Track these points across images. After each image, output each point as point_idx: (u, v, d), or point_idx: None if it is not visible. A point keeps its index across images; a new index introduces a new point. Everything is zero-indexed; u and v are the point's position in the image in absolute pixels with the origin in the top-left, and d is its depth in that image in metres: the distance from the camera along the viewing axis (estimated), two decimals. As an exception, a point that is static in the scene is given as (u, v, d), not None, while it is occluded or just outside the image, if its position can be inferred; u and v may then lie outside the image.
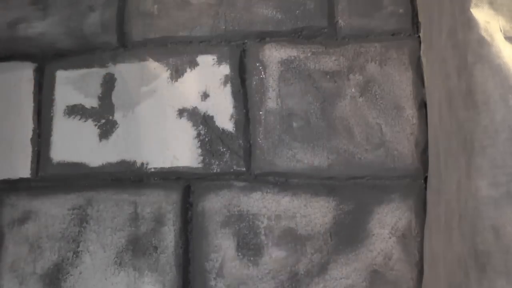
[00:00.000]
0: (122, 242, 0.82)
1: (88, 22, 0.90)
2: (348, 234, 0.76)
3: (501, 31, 0.54)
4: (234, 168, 0.81)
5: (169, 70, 0.86)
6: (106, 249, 0.82)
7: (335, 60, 0.81)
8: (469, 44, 0.54)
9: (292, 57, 0.83)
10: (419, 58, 0.79)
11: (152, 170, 0.83)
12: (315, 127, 0.80)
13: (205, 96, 0.84)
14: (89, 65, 0.89)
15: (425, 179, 0.76)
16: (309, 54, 0.82)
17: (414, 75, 0.78)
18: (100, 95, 0.87)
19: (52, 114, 0.88)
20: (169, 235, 0.81)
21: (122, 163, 0.85)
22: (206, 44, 0.86)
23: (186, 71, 0.86)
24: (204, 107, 0.84)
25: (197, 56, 0.86)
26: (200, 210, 0.81)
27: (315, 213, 0.78)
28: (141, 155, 0.84)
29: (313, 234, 0.77)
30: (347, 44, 0.82)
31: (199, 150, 0.83)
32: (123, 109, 0.86)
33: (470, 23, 0.54)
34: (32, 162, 0.88)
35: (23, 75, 0.90)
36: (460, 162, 0.55)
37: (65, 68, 0.89)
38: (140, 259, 0.81)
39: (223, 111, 0.83)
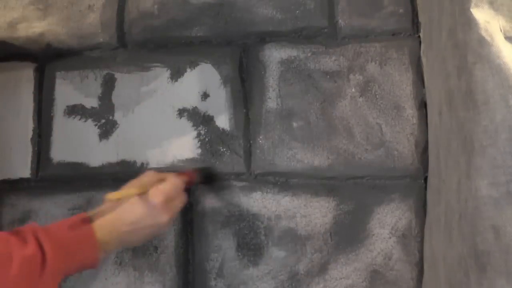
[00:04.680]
0: (122, 242, 0.82)
1: (88, 22, 0.90)
2: (348, 234, 0.76)
3: (501, 31, 0.53)
4: (234, 168, 0.81)
5: (169, 70, 0.86)
6: (106, 249, 0.82)
7: (335, 60, 0.81)
8: (469, 44, 0.54)
9: (292, 57, 0.83)
10: (419, 58, 0.79)
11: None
12: (315, 127, 0.80)
13: (205, 96, 0.84)
14: (89, 65, 0.89)
15: (425, 179, 0.76)
16: (309, 54, 0.82)
17: (414, 75, 0.78)
18: (100, 95, 0.87)
19: (52, 114, 0.88)
20: (169, 235, 0.81)
21: (122, 163, 0.85)
22: (206, 44, 0.86)
23: (186, 71, 0.86)
24: (204, 107, 0.84)
25: (197, 56, 0.86)
26: (200, 210, 0.81)
27: (315, 213, 0.78)
28: (141, 155, 0.84)
29: (313, 234, 0.77)
30: (347, 44, 0.82)
31: (199, 150, 0.83)
32: (123, 109, 0.86)
33: (470, 23, 0.54)
34: (32, 162, 0.88)
35: (23, 75, 0.90)
36: (460, 162, 0.55)
37: (65, 68, 0.89)
38: (140, 259, 0.81)
39: (223, 111, 0.83)
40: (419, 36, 0.80)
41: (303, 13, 0.83)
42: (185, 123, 0.84)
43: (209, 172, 0.81)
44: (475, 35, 0.53)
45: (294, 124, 0.81)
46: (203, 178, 0.79)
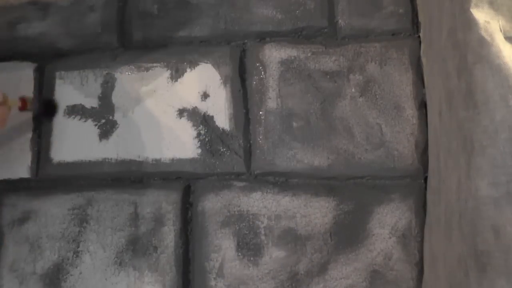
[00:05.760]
0: (122, 242, 0.82)
1: (88, 22, 0.90)
2: (348, 234, 0.76)
3: (501, 31, 0.53)
4: (234, 168, 0.81)
5: (169, 70, 0.86)
6: (106, 249, 0.82)
7: (335, 60, 0.81)
8: (469, 44, 0.54)
9: (292, 57, 0.83)
10: (419, 58, 0.79)
11: (152, 170, 0.83)
12: (315, 127, 0.80)
13: (205, 96, 0.84)
14: (89, 65, 0.89)
15: (425, 179, 0.76)
16: (309, 54, 0.82)
17: (414, 75, 0.78)
18: (100, 95, 0.87)
19: (52, 114, 0.88)
20: (169, 235, 0.81)
21: (122, 163, 0.85)
22: (206, 44, 0.86)
23: (186, 71, 0.86)
24: (204, 107, 0.84)
25: (197, 56, 0.86)
26: (200, 210, 0.81)
27: (315, 213, 0.78)
28: (141, 155, 0.84)
29: (313, 234, 0.77)
30: (347, 44, 0.82)
31: (199, 150, 0.83)
32: (123, 109, 0.86)
33: (470, 23, 0.54)
34: (32, 162, 0.88)
35: (23, 75, 0.90)
36: (460, 162, 0.55)
37: (65, 68, 0.89)
38: (140, 259, 0.81)
39: (223, 111, 0.83)
40: (419, 36, 0.80)
41: (303, 13, 0.83)
42: (185, 123, 0.84)
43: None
44: (475, 35, 0.53)
45: (294, 124, 0.81)
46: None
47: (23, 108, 0.81)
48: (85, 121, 0.87)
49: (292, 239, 0.78)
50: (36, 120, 0.88)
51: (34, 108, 0.85)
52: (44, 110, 0.87)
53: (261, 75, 0.83)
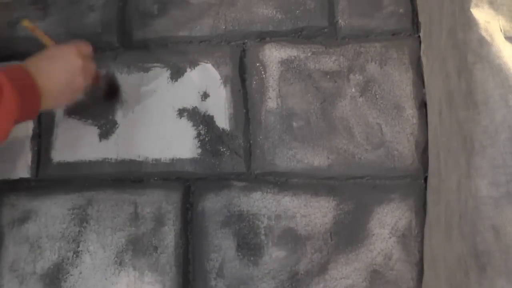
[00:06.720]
0: (122, 242, 0.82)
1: (88, 22, 0.90)
2: (348, 234, 0.76)
3: (501, 31, 0.54)
4: (234, 168, 0.81)
5: (169, 70, 0.86)
6: (106, 249, 0.82)
7: (335, 60, 0.81)
8: (469, 44, 0.54)
9: (292, 57, 0.83)
10: (419, 58, 0.79)
11: (152, 170, 0.83)
12: (315, 127, 0.80)
13: (205, 96, 0.84)
14: (89, 65, 0.89)
15: (425, 179, 0.76)
16: (309, 54, 0.82)
17: (414, 75, 0.78)
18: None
19: (52, 114, 0.88)
20: (169, 235, 0.81)
21: (122, 163, 0.85)
22: (206, 44, 0.86)
23: (186, 71, 0.86)
24: (204, 107, 0.84)
25: (197, 56, 0.86)
26: (200, 210, 0.81)
27: (315, 213, 0.78)
28: (141, 155, 0.84)
29: (313, 234, 0.77)
30: (347, 44, 0.82)
31: (199, 150, 0.83)
32: (123, 109, 0.86)
33: (470, 23, 0.54)
34: (32, 162, 0.88)
35: (23, 75, 0.90)
36: (460, 162, 0.55)
37: (65, 68, 0.89)
38: (140, 259, 0.81)
39: (223, 111, 0.83)
40: (419, 36, 0.80)
41: (303, 13, 0.83)
42: (185, 123, 0.84)
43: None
44: (475, 35, 0.53)
45: (294, 124, 0.81)
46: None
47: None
48: (85, 121, 0.87)
49: (292, 239, 0.78)
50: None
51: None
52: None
53: (261, 75, 0.83)
